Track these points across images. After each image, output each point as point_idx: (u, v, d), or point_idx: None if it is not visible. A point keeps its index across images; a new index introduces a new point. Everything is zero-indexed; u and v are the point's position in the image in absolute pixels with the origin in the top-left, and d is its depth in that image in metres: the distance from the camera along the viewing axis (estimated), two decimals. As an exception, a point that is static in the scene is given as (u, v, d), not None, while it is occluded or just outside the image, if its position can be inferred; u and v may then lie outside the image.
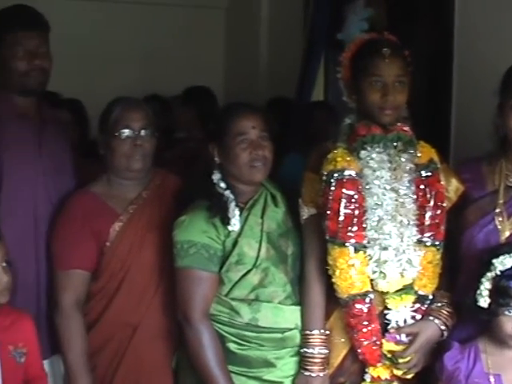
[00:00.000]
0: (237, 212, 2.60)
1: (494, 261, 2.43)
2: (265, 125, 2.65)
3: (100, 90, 5.07)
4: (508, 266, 2.41)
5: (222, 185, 2.65)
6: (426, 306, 2.58)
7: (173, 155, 4.14)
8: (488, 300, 2.43)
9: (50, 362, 2.81)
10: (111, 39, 5.65)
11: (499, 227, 2.57)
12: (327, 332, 2.61)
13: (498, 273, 2.42)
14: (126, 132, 2.71)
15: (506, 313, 2.40)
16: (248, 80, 5.54)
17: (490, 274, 2.43)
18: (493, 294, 2.42)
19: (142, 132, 2.72)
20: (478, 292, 2.44)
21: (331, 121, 4.16)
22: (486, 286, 2.43)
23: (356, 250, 2.49)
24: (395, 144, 2.54)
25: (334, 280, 2.52)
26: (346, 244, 2.48)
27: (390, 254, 2.50)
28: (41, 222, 2.78)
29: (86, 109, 4.39)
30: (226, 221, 2.58)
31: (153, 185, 2.83)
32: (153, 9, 5.74)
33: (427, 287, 2.57)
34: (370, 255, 2.51)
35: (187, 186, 2.77)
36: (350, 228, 2.48)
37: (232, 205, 2.60)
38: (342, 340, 2.60)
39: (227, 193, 2.63)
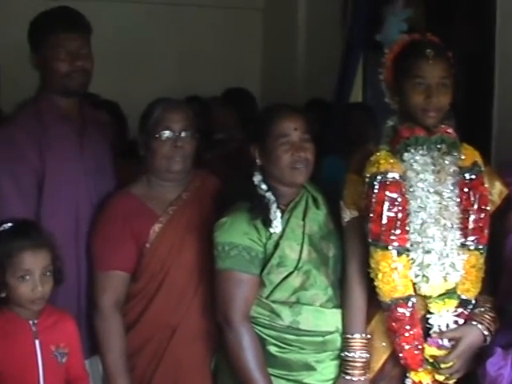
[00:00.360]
0: (278, 214, 2.59)
1: None
2: (307, 126, 2.64)
3: (139, 91, 5.10)
4: None
5: (264, 186, 2.64)
6: (468, 310, 2.54)
7: (213, 156, 4.14)
8: None
9: (90, 363, 2.81)
10: (149, 40, 5.67)
11: None
12: (368, 336, 2.59)
13: None
14: (167, 133, 2.70)
15: None
16: (285, 81, 5.52)
17: None
18: None
19: (183, 133, 2.71)
20: None
21: (370, 122, 4.16)
22: None
23: (399, 254, 2.47)
24: (439, 146, 2.51)
25: (376, 283, 2.50)
26: (389, 247, 2.46)
27: (433, 258, 2.47)
28: (82, 223, 2.79)
29: (125, 110, 4.40)
30: (267, 223, 2.57)
31: (192, 186, 2.82)
32: (190, 10, 5.75)
33: (470, 291, 2.54)
34: (412, 259, 2.48)
35: (228, 188, 2.76)
36: (392, 231, 2.46)
37: (273, 207, 2.59)
38: (384, 344, 2.58)
39: (268, 194, 2.62)
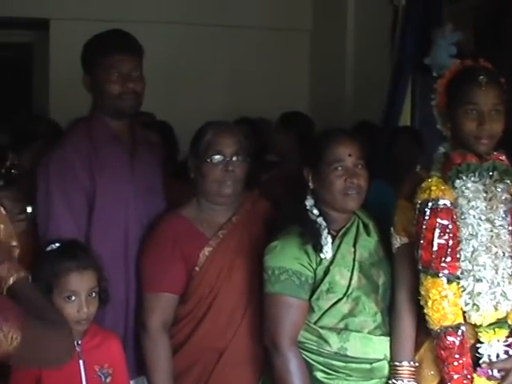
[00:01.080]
0: (329, 240, 2.58)
1: None
2: (361, 153, 2.63)
3: (187, 112, 5.15)
4: None
5: (315, 211, 2.63)
6: None
7: (269, 178, 4.14)
8: None
9: (135, 383, 2.82)
10: (198, 62, 5.70)
11: None
12: (416, 364, 2.56)
13: None
14: (218, 157, 2.71)
15: None
16: (333, 103, 5.50)
17: None
18: None
19: (234, 158, 2.72)
20: None
21: (416, 146, 4.11)
22: None
23: (449, 281, 2.44)
24: (491, 173, 2.49)
25: (425, 311, 2.47)
26: (440, 275, 2.43)
27: (484, 286, 2.44)
28: (131, 244, 2.81)
29: (175, 131, 4.44)
30: (318, 248, 2.56)
31: (243, 209, 2.82)
32: (238, 31, 5.77)
33: (521, 320, 2.50)
34: (463, 287, 2.46)
35: (280, 211, 2.74)
36: (443, 258, 2.43)
37: (325, 232, 2.59)
38: (432, 372, 2.55)
39: (320, 220, 2.61)
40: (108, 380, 2.52)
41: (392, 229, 2.61)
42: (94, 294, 2.49)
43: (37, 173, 2.77)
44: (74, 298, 2.44)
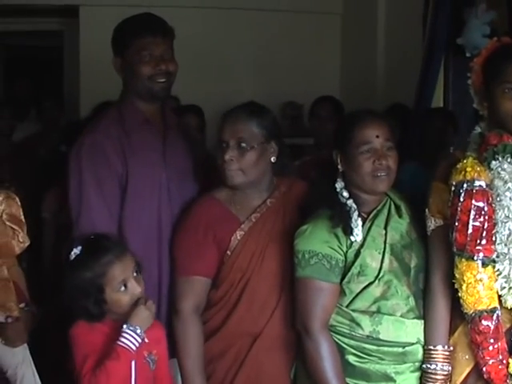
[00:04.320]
0: (359, 222, 2.55)
1: None
2: (390, 134, 2.59)
3: (217, 96, 5.14)
4: None
5: (345, 194, 2.60)
6: None
7: (303, 162, 4.12)
8: None
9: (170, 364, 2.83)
10: (228, 46, 5.71)
11: None
12: (451, 348, 2.53)
13: None
14: (222, 145, 2.67)
15: None
16: (365, 85, 5.46)
17: None
18: None
19: (237, 145, 2.65)
20: None
21: (450, 128, 4.07)
22: None
23: (484, 265, 2.40)
24: None
25: (460, 294, 2.43)
26: (474, 258, 2.40)
27: (521, 269, 2.40)
28: (164, 228, 2.80)
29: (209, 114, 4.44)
30: (348, 231, 2.53)
31: (278, 193, 2.78)
32: (268, 15, 5.76)
33: (560, 304, 2.45)
34: (498, 270, 2.41)
35: (311, 194, 2.71)
36: (478, 241, 2.39)
37: (355, 215, 2.56)
38: (466, 357, 2.51)
39: (350, 202, 2.58)
40: (154, 367, 2.52)
41: (427, 211, 2.57)
42: (137, 274, 2.50)
43: (69, 158, 2.78)
44: (126, 286, 2.45)
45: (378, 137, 2.56)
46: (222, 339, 2.70)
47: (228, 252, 2.69)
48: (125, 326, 2.41)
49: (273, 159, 2.73)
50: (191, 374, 2.68)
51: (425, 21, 4.74)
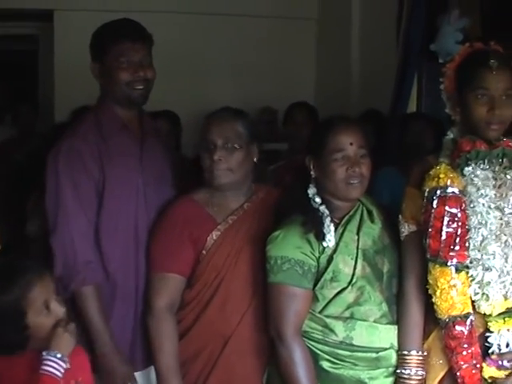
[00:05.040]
0: (332, 228, 2.56)
1: None
2: (363, 141, 2.59)
3: (193, 102, 5.14)
4: None
5: (318, 199, 2.61)
6: None
7: (277, 168, 4.13)
8: None
9: (145, 374, 2.83)
10: (204, 51, 5.70)
11: None
12: (425, 353, 2.54)
13: None
14: (207, 145, 2.70)
15: None
16: (340, 91, 5.49)
17: None
18: None
19: (225, 146, 2.69)
20: None
21: (428, 132, 4.08)
22: None
23: (458, 270, 2.41)
24: (500, 160, 2.46)
25: (434, 300, 2.44)
26: (448, 264, 2.41)
27: (494, 276, 2.41)
28: (141, 233, 2.80)
29: (185, 120, 4.44)
30: (320, 237, 2.54)
31: (256, 198, 2.81)
32: (243, 20, 5.76)
33: (532, 310, 2.47)
34: (472, 276, 2.43)
35: (283, 200, 2.72)
36: (452, 247, 2.41)
37: (327, 220, 2.56)
38: (440, 361, 2.52)
39: (322, 208, 2.59)
40: None
41: (400, 216, 2.58)
42: (56, 295, 2.36)
43: (46, 163, 2.76)
44: (48, 308, 2.30)
45: (351, 144, 2.56)
46: (194, 340, 2.71)
47: (203, 251, 2.71)
48: (45, 353, 2.24)
49: (255, 159, 2.77)
50: (166, 370, 2.67)
51: (399, 26, 4.76)
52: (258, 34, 5.80)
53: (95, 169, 2.73)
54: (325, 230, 2.55)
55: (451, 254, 2.41)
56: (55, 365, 2.24)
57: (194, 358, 2.71)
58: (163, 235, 2.74)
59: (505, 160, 2.46)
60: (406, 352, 2.54)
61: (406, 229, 2.57)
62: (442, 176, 2.45)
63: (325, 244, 2.55)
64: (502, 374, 2.45)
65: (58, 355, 2.26)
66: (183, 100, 5.25)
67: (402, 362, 2.54)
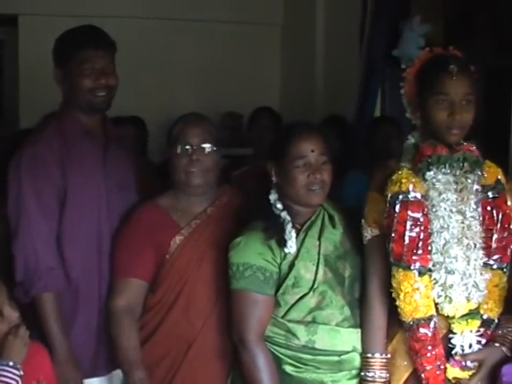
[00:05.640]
0: (293, 234, 2.58)
1: None
2: (325, 148, 2.61)
3: (157, 107, 5.13)
4: None
5: (279, 205, 2.62)
6: (491, 330, 2.51)
7: (242, 173, 4.14)
8: None
9: (108, 379, 2.83)
10: (169, 56, 5.66)
11: None
12: (388, 355, 2.56)
13: None
14: (183, 147, 2.72)
15: None
16: (304, 97, 5.50)
17: None
18: None
19: (202, 146, 2.73)
20: None
21: (394, 136, 4.11)
22: None
23: (421, 274, 2.44)
24: (461, 164, 2.48)
25: (398, 303, 2.47)
26: (411, 267, 2.43)
27: (456, 278, 2.44)
28: (104, 239, 2.80)
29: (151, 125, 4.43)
30: (282, 243, 2.56)
31: (219, 202, 2.83)
32: (209, 25, 5.73)
33: (493, 311, 2.51)
34: (435, 279, 2.46)
35: (246, 206, 2.73)
36: (415, 251, 2.43)
37: (288, 226, 2.58)
38: (405, 363, 2.55)
39: (284, 214, 2.60)
40: None
41: (363, 221, 2.60)
42: (9, 300, 2.39)
43: (9, 169, 2.75)
44: (2, 314, 2.32)
45: (313, 151, 2.58)
46: (159, 344, 2.71)
47: (167, 256, 2.72)
48: None
49: (222, 162, 2.81)
50: (128, 361, 2.66)
51: (362, 32, 4.79)
52: (224, 40, 5.79)
53: (58, 175, 2.72)
54: (286, 237, 2.57)
55: (414, 257, 2.43)
56: (9, 374, 2.25)
57: (158, 362, 2.72)
58: (126, 240, 2.74)
59: (465, 164, 2.49)
60: (369, 355, 2.56)
61: (368, 233, 2.59)
62: (404, 181, 2.47)
63: (286, 250, 2.57)
64: (465, 374, 2.49)
65: (11, 363, 2.27)
66: (149, 105, 5.23)
67: (365, 364, 2.57)
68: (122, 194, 2.86)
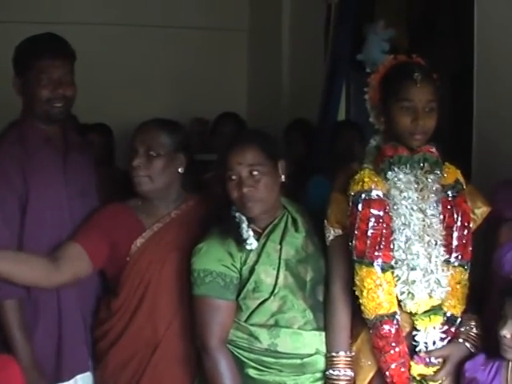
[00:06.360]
0: (251, 233, 2.59)
1: None
2: (256, 159, 2.58)
3: (125, 114, 5.10)
4: None
5: (234, 207, 2.63)
6: (455, 327, 2.54)
7: (208, 178, 4.14)
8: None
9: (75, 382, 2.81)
10: (137, 63, 5.65)
11: None
12: (353, 354, 2.58)
13: None
14: (132, 155, 2.73)
15: None
16: (271, 102, 5.52)
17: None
18: None
19: (147, 153, 2.73)
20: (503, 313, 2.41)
21: (357, 140, 4.13)
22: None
23: (383, 270, 2.48)
24: (422, 165, 2.53)
25: (361, 301, 2.50)
26: (374, 264, 2.47)
27: (418, 275, 2.48)
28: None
29: (118, 133, 4.42)
30: (239, 242, 2.58)
31: (185, 206, 2.84)
32: (177, 32, 5.73)
33: (456, 308, 2.55)
34: (397, 275, 2.49)
35: (209, 212, 2.74)
36: (377, 248, 2.47)
37: (244, 225, 2.59)
38: (369, 363, 2.57)
39: (238, 214, 2.61)
40: None
41: (326, 221, 2.62)
42: None
43: None
44: None
45: (240, 164, 2.56)
46: (125, 348, 2.71)
47: (128, 258, 2.73)
48: None
49: (180, 170, 2.79)
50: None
51: (326, 36, 4.82)
52: (190, 46, 5.79)
53: (18, 184, 2.70)
54: (244, 235, 2.58)
55: (377, 254, 2.47)
56: None
57: (124, 364, 2.72)
58: (91, 219, 2.76)
59: (426, 164, 2.54)
60: (334, 353, 2.58)
61: (331, 233, 2.61)
62: (366, 180, 2.52)
63: (248, 247, 2.58)
64: (430, 370, 2.51)
65: None
66: (117, 112, 5.20)
67: (330, 363, 2.58)
68: (83, 201, 2.85)
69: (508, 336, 2.38)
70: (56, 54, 2.76)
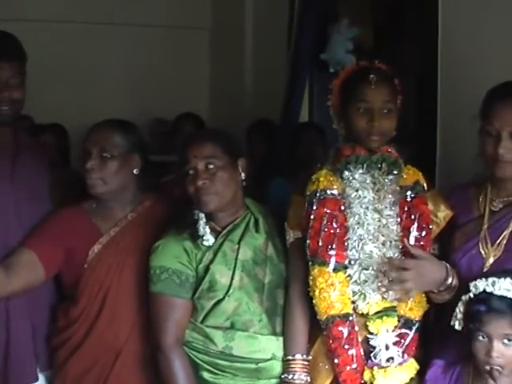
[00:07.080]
0: (208, 230, 2.57)
1: (470, 284, 2.35)
2: (213, 152, 2.57)
3: (83, 113, 5.02)
4: (481, 290, 2.31)
5: (194, 206, 2.60)
6: (413, 331, 2.48)
7: (169, 179, 4.09)
8: (462, 324, 2.36)
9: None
10: (96, 62, 5.61)
11: (482, 252, 2.50)
12: (309, 357, 2.53)
13: (472, 296, 2.33)
14: (87, 156, 2.68)
15: (479, 338, 2.29)
16: (233, 102, 5.50)
17: (464, 298, 2.36)
18: (465, 317, 2.35)
19: (101, 155, 2.67)
20: (454, 315, 2.37)
21: (319, 142, 4.12)
22: (460, 309, 2.36)
23: (336, 270, 2.45)
24: (379, 165, 2.52)
25: (314, 301, 2.47)
26: (326, 263, 2.44)
27: (371, 275, 2.45)
28: (11, 250, 2.68)
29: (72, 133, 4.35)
30: (195, 238, 2.55)
31: (141, 208, 2.79)
32: (137, 30, 5.70)
33: (413, 311, 2.50)
34: (350, 275, 2.46)
35: (168, 213, 2.70)
36: (330, 247, 2.44)
37: (202, 222, 2.57)
38: (326, 367, 2.51)
39: (197, 212, 2.59)
40: None
41: (286, 224, 2.60)
42: None
43: None
44: None
45: (195, 157, 2.55)
46: (86, 356, 2.67)
47: (85, 265, 2.68)
48: None
49: (135, 171, 2.74)
50: None
51: (290, 35, 4.78)
52: (151, 44, 5.76)
53: None
54: (200, 232, 2.56)
55: (330, 253, 2.45)
56: None
57: (86, 373, 2.67)
58: (43, 224, 2.70)
59: (384, 165, 2.52)
60: (290, 357, 2.53)
61: (291, 236, 2.59)
62: (321, 179, 2.51)
63: (205, 243, 2.55)
64: (381, 372, 2.44)
65: None
66: (74, 113, 5.14)
67: (286, 367, 2.54)
68: (34, 204, 2.77)
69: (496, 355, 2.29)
70: (3, 55, 2.68)
